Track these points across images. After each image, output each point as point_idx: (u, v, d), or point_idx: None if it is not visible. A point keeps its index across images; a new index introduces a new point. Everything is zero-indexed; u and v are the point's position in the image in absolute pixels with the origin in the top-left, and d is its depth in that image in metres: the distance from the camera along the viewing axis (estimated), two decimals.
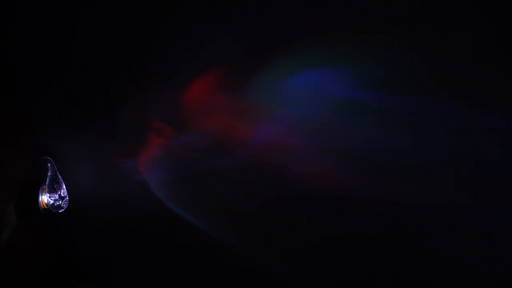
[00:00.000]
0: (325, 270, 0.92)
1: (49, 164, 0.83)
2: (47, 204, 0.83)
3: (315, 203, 0.76)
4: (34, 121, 0.87)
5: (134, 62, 0.81)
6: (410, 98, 0.62)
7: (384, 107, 0.63)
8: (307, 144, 0.71)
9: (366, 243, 0.77)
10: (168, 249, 0.98)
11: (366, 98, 0.63)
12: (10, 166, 0.80)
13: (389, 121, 0.64)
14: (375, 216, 0.72)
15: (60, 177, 0.84)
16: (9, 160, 0.80)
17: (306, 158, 0.72)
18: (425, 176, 0.66)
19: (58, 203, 0.83)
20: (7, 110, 0.81)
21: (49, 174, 0.83)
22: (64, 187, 0.85)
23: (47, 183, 0.82)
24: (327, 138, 0.69)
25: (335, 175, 0.71)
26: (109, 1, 0.78)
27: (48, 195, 0.83)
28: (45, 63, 0.83)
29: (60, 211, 0.84)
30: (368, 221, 0.74)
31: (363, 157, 0.68)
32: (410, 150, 0.65)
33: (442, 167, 0.64)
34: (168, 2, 0.70)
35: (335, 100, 0.66)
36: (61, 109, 0.87)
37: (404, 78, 0.62)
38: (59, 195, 0.83)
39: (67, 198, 0.85)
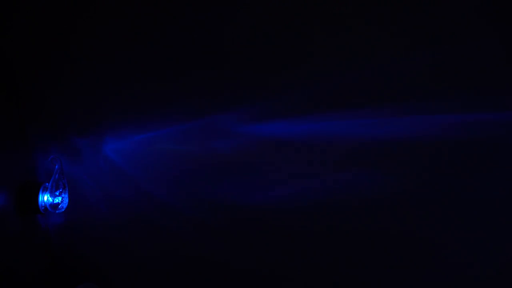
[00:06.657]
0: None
1: (56, 165, 0.83)
2: (46, 204, 0.83)
3: None
4: (34, 121, 0.87)
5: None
6: None
7: None
8: None
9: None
10: (168, 249, 0.98)
11: None
12: (10, 166, 0.80)
13: None
14: None
15: (65, 177, 0.85)
16: (9, 160, 0.80)
17: None
18: None
19: (57, 203, 0.83)
20: (7, 110, 0.81)
21: (54, 172, 0.83)
22: (67, 188, 0.85)
23: (51, 181, 0.83)
24: None
25: None
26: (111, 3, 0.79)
27: (49, 194, 0.83)
28: (45, 63, 0.84)
29: (58, 211, 0.84)
30: None
31: None
32: None
33: None
34: None
35: None
36: (61, 109, 0.88)
37: None
38: (60, 192, 0.83)
39: (67, 199, 0.85)
